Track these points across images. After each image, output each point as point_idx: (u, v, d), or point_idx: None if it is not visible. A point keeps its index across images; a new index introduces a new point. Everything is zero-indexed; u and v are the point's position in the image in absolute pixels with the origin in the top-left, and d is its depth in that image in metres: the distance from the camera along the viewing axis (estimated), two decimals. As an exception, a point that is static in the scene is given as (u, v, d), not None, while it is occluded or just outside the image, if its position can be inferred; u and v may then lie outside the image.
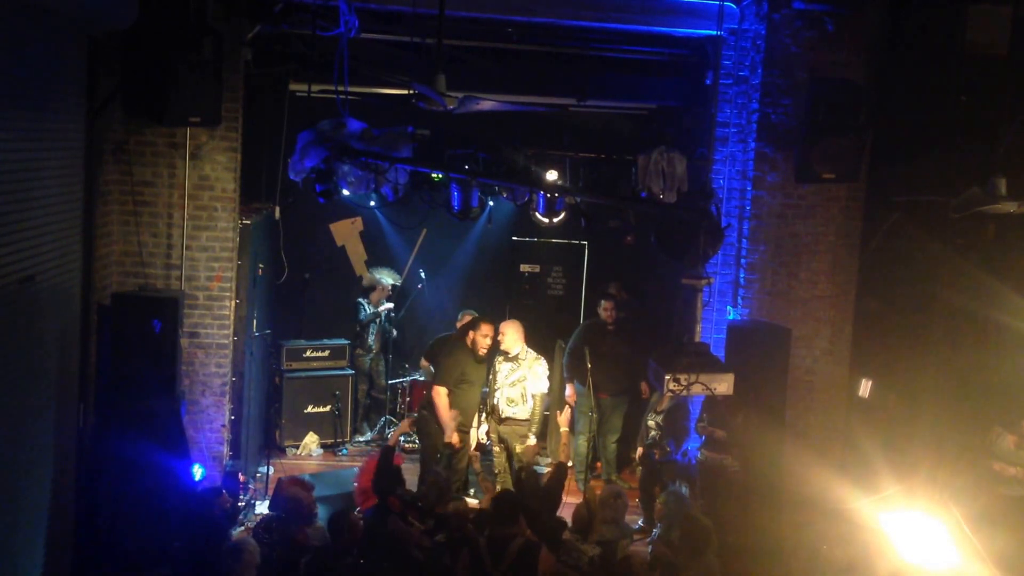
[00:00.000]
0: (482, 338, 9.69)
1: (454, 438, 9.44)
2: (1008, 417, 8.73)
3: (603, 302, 10.92)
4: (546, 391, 9.92)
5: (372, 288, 12.59)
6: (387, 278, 12.66)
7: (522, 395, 9.73)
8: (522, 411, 9.73)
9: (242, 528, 9.16)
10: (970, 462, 8.82)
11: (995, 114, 8.21)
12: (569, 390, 10.75)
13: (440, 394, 9.52)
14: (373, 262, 13.19)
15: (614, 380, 10.65)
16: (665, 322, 11.15)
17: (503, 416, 9.76)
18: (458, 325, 10.55)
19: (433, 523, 7.62)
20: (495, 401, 9.81)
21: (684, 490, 9.10)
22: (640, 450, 9.89)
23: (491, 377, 9.93)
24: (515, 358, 9.79)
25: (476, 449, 10.28)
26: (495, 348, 10.08)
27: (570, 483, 10.03)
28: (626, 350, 10.74)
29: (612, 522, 7.98)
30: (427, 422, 9.68)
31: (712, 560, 7.31)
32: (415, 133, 9.25)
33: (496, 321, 10.15)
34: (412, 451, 11.71)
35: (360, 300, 12.58)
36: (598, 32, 9.88)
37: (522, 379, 9.72)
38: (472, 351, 9.69)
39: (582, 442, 10.76)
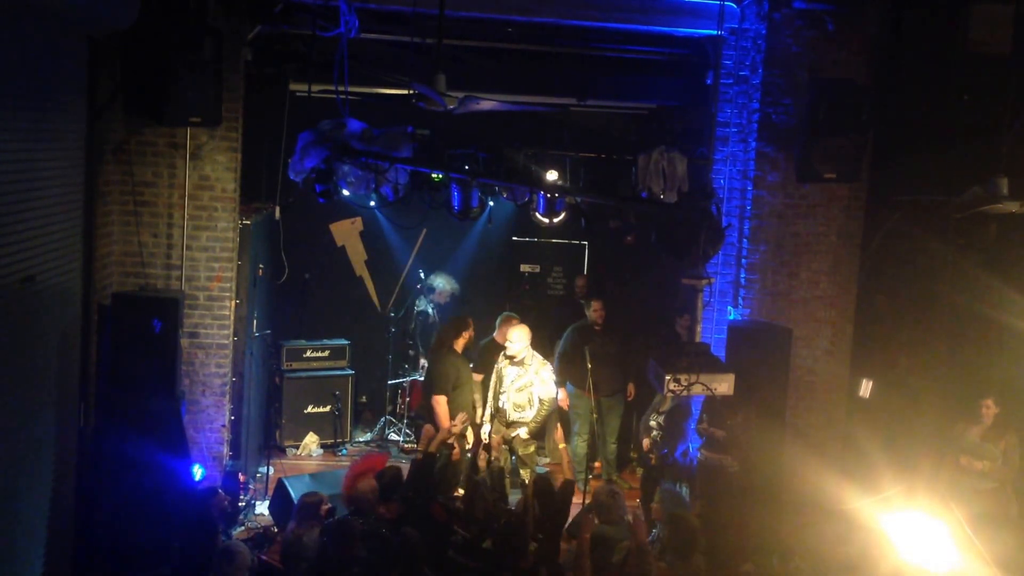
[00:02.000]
0: (471, 335, 9.92)
1: (444, 434, 9.33)
2: (970, 410, 8.72)
3: (593, 303, 10.90)
4: (555, 395, 9.86)
5: (432, 289, 12.62)
6: (444, 283, 12.70)
7: (529, 400, 9.67)
8: (529, 415, 9.68)
9: (242, 528, 9.17)
10: (950, 459, 8.82)
11: (997, 113, 8.19)
12: (562, 394, 10.73)
13: (441, 403, 9.47)
14: (375, 262, 13.19)
15: (607, 380, 10.65)
16: (661, 322, 11.16)
17: (510, 421, 9.71)
18: (497, 330, 10.49)
19: (477, 530, 7.59)
20: (501, 405, 9.74)
21: (684, 491, 9.08)
22: (646, 443, 9.83)
23: (494, 381, 9.87)
24: (521, 362, 9.72)
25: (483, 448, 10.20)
26: (496, 351, 10.09)
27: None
28: (615, 349, 10.76)
29: (613, 522, 7.94)
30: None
31: (699, 560, 7.28)
32: (415, 133, 9.23)
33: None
34: (411, 452, 11.72)
35: (421, 298, 12.60)
36: (598, 32, 9.87)
37: (529, 384, 9.66)
38: (460, 353, 9.79)
39: (581, 444, 10.74)
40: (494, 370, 9.86)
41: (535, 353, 9.85)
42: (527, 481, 9.44)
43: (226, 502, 8.43)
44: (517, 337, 9.66)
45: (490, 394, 9.87)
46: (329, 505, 7.82)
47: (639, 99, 11.58)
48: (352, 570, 6.92)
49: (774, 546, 8.04)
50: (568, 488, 8.25)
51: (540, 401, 9.65)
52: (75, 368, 7.66)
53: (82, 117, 7.52)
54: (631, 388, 10.99)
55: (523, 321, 10.69)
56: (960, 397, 8.95)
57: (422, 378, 12.44)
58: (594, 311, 10.83)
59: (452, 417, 9.44)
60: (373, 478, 7.98)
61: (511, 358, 9.70)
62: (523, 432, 9.66)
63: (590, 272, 13.17)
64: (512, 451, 9.75)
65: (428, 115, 8.46)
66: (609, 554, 7.48)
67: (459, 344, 9.79)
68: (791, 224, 9.61)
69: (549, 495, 8.02)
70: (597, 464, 11.06)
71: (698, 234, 8.40)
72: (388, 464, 8.53)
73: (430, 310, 12.48)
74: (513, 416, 9.65)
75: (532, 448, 9.82)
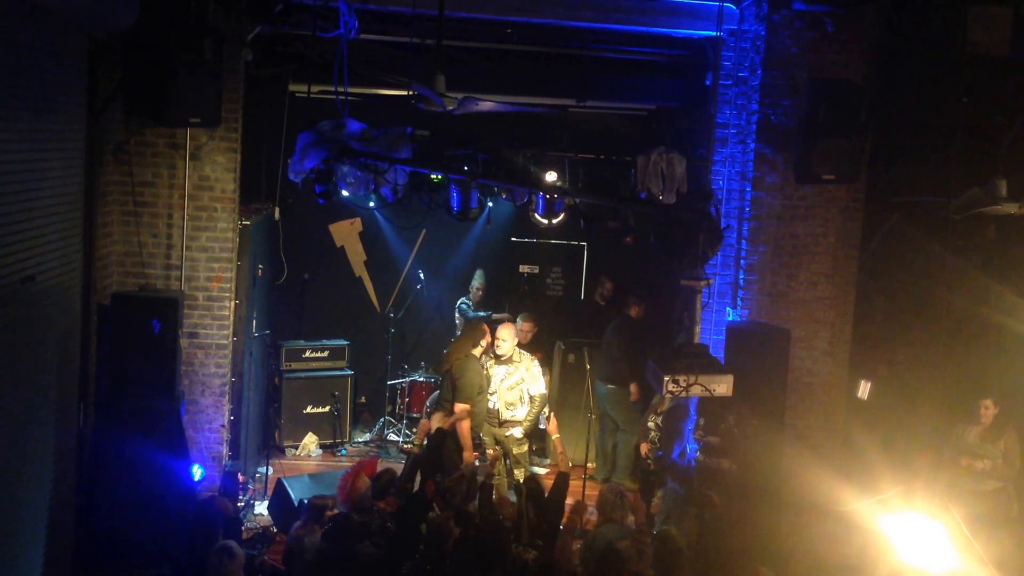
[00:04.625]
0: (489, 342, 9.67)
1: (470, 456, 9.24)
2: (968, 411, 8.73)
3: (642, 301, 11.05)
4: (544, 391, 9.89)
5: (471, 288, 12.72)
6: (476, 280, 12.79)
7: (520, 398, 9.69)
8: (520, 413, 9.70)
9: (243, 530, 9.16)
10: (948, 460, 8.82)
11: (996, 115, 8.21)
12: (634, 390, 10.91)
13: (465, 411, 9.28)
14: (374, 263, 13.21)
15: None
16: (663, 323, 11.18)
17: (502, 420, 9.72)
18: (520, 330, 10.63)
19: (454, 515, 7.61)
20: (492, 405, 9.75)
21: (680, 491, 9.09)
22: (644, 448, 9.84)
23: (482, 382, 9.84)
24: (509, 360, 9.75)
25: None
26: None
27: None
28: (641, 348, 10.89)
29: (615, 521, 7.95)
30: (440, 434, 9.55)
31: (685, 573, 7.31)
32: (414, 134, 9.24)
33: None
34: (410, 451, 11.72)
35: (463, 300, 12.68)
36: (597, 33, 9.88)
37: (520, 381, 9.68)
38: (481, 360, 9.61)
39: (631, 440, 10.86)
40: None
41: (522, 351, 9.87)
42: (521, 481, 9.46)
43: (230, 508, 8.41)
44: (506, 336, 9.68)
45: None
46: (337, 510, 7.82)
47: (638, 100, 11.59)
48: (354, 566, 6.95)
49: (777, 547, 8.05)
50: (562, 482, 8.21)
51: (531, 398, 9.68)
52: (75, 368, 7.66)
53: (82, 117, 7.52)
54: (634, 389, 11.14)
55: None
56: (958, 398, 8.95)
57: (421, 379, 12.50)
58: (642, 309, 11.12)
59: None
60: (367, 476, 8.02)
61: (498, 357, 9.72)
62: (517, 432, 9.67)
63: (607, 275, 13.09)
64: (505, 452, 9.76)
65: (427, 116, 8.49)
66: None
67: (478, 351, 9.62)
68: (790, 225, 9.61)
69: (540, 497, 8.02)
70: (591, 465, 11.09)
71: (697, 235, 8.40)
72: (383, 467, 8.55)
73: (469, 307, 12.55)
74: (505, 415, 9.67)
75: (525, 447, 9.83)
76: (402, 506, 7.80)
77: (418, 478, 8.54)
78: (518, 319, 11.15)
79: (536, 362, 9.90)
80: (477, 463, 9.44)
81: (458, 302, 12.69)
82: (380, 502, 7.84)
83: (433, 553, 7.03)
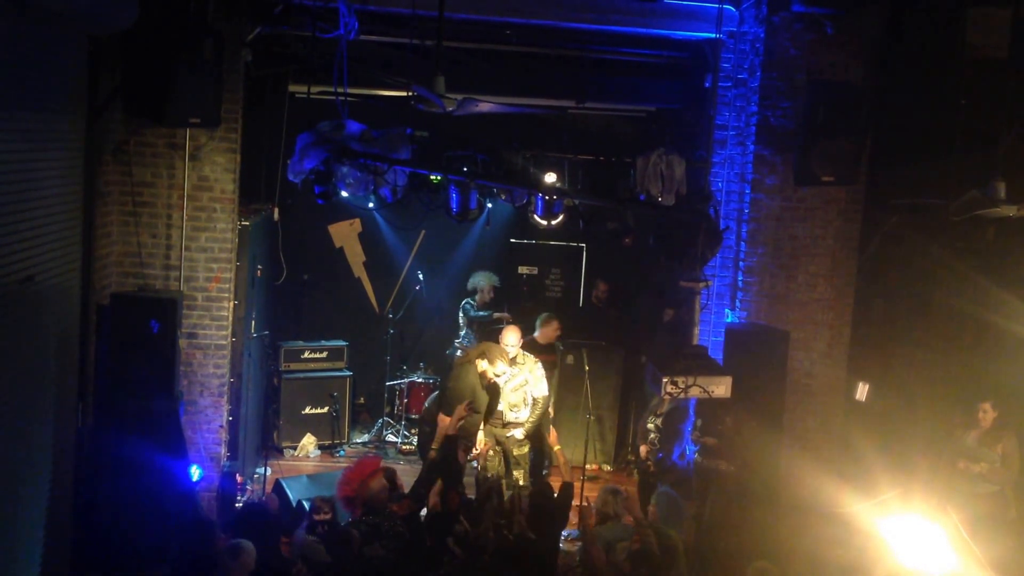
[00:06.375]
0: (493, 375, 9.29)
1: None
2: (967, 414, 8.73)
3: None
4: (547, 394, 9.87)
5: (475, 291, 12.63)
6: (484, 280, 12.71)
7: (524, 399, 9.68)
8: (523, 415, 9.69)
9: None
10: (946, 462, 8.82)
11: (995, 117, 8.20)
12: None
13: (443, 422, 8.97)
14: (373, 264, 13.21)
15: None
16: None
17: (506, 421, 9.70)
18: (538, 331, 10.67)
19: (481, 529, 7.59)
20: (495, 407, 9.74)
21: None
22: (644, 450, 9.85)
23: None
24: (513, 361, 9.73)
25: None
26: (536, 351, 10.19)
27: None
28: None
29: (612, 520, 7.95)
30: (428, 437, 9.44)
31: (682, 571, 7.32)
32: (414, 135, 9.25)
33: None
34: (408, 452, 11.73)
35: (467, 300, 12.61)
36: (597, 34, 9.88)
37: (524, 383, 9.67)
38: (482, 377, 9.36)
39: None
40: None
41: (526, 353, 9.86)
42: (521, 482, 9.46)
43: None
44: (513, 341, 9.65)
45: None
46: (330, 514, 7.78)
47: (637, 102, 11.60)
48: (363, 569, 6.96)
49: (775, 549, 8.05)
50: (567, 491, 8.21)
51: (534, 400, 9.66)
52: (74, 368, 7.65)
53: (82, 117, 7.52)
54: None
55: (521, 323, 10.74)
56: (956, 400, 8.95)
57: (420, 380, 12.49)
58: None
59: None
60: (383, 476, 7.98)
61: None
62: (518, 433, 9.66)
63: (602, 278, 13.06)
64: (505, 453, 9.75)
65: (427, 117, 8.51)
66: (611, 553, 7.51)
67: (477, 367, 9.27)
68: (789, 227, 9.62)
69: (547, 497, 8.01)
70: (594, 466, 11.07)
71: (696, 237, 8.40)
72: (383, 466, 8.52)
73: (471, 308, 12.52)
74: (509, 416, 9.66)
75: (526, 449, 9.82)
76: (415, 511, 7.77)
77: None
78: (539, 319, 10.99)
79: (540, 365, 9.87)
80: (476, 463, 9.46)
81: (462, 302, 12.68)
82: (394, 505, 7.79)
83: (471, 563, 7.03)
